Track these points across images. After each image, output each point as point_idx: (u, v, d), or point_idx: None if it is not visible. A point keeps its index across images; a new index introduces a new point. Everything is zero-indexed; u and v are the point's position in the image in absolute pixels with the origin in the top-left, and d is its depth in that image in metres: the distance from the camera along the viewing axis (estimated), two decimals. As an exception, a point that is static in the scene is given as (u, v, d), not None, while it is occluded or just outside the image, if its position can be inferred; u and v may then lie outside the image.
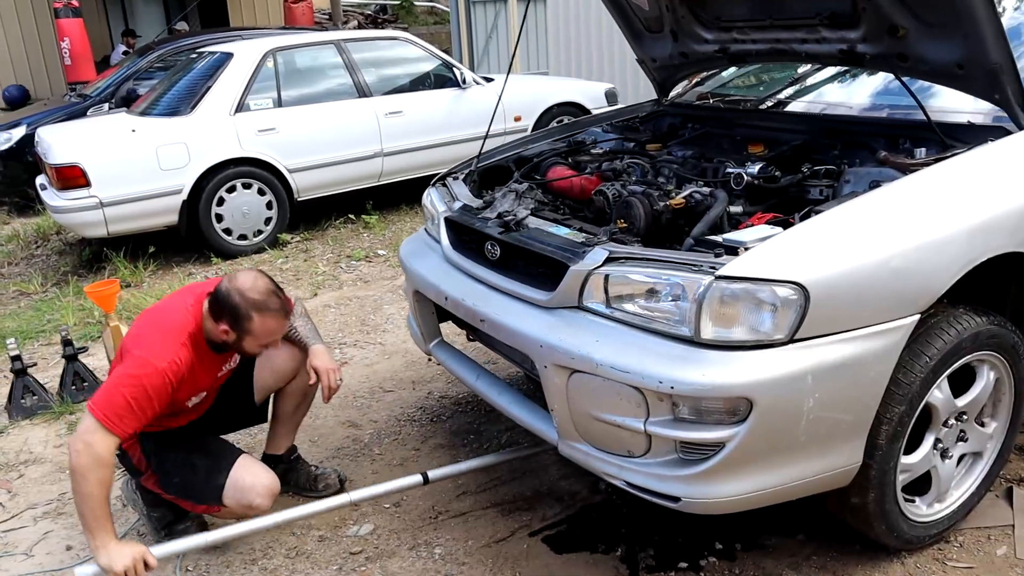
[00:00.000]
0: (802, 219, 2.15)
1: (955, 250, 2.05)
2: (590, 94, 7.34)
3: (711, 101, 3.36)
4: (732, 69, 3.56)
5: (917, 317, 2.04)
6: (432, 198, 3.10)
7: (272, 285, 2.43)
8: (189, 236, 6.01)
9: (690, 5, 3.05)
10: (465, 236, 2.74)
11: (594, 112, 6.93)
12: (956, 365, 2.22)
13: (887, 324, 1.99)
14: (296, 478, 3.01)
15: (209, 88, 5.98)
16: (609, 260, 2.18)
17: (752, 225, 2.27)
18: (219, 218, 5.98)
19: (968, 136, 2.38)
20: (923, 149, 2.35)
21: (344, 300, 5.07)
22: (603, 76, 9.42)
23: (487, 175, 3.28)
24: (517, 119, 6.93)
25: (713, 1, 3.00)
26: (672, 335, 2.01)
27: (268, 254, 6.12)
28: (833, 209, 2.05)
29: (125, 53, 10.66)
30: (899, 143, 2.52)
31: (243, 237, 6.12)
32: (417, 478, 2.70)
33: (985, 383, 2.34)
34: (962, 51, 2.32)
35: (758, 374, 1.89)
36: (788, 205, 2.50)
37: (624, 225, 2.42)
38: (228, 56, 6.14)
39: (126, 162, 5.65)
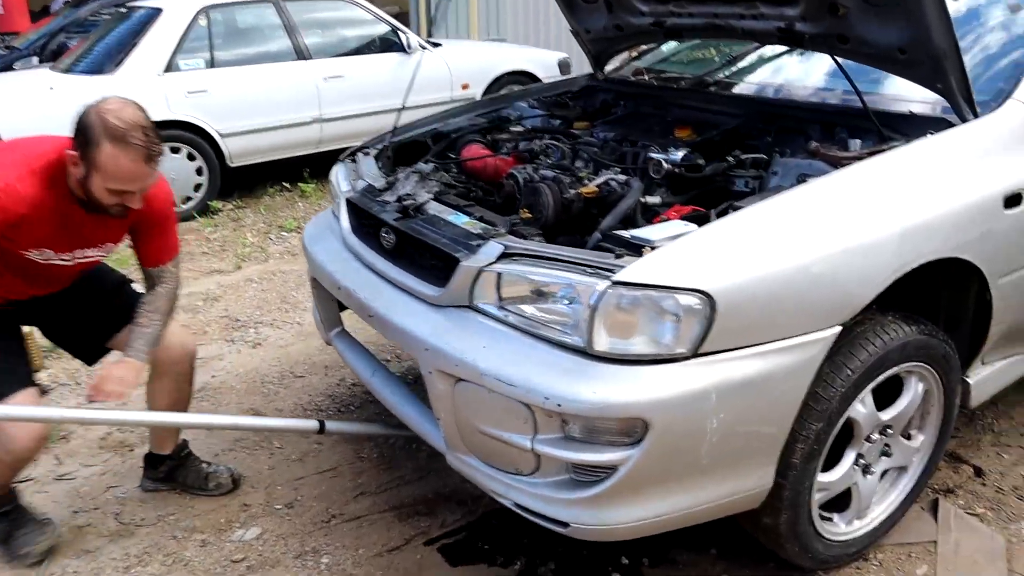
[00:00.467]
0: (719, 215, 1.95)
1: (885, 255, 1.86)
2: (543, 63, 7.06)
3: (647, 77, 3.12)
4: (673, 43, 3.33)
5: (839, 329, 1.85)
6: (337, 175, 2.85)
7: (145, 121, 2.03)
8: (112, 202, 5.67)
9: (624, -27, 2.81)
10: (365, 220, 2.50)
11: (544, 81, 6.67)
12: (882, 378, 2.04)
13: (804, 337, 1.79)
14: (184, 476, 2.77)
15: (136, 45, 5.61)
16: (504, 256, 1.95)
17: (668, 219, 2.06)
18: (145, 183, 5.64)
19: (909, 128, 2.18)
20: (858, 141, 2.15)
21: (268, 274, 4.80)
22: (561, 45, 9.13)
23: (404, 151, 3.03)
24: (465, 87, 6.64)
25: (647, -31, 2.76)
26: (565, 345, 1.80)
27: (197, 222, 5.81)
28: (749, 207, 1.84)
29: (65, 3, 10.14)
30: (835, 132, 2.32)
31: (171, 204, 5.78)
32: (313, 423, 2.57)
33: (913, 396, 2.17)
34: (904, 35, 2.11)
35: (655, 392, 1.68)
36: (713, 196, 2.28)
37: (528, 215, 2.19)
38: (157, 11, 5.76)
39: (41, 122, 5.23)
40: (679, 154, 2.29)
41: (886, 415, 2.12)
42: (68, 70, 5.79)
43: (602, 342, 1.72)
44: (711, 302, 1.68)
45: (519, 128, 2.92)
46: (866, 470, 2.18)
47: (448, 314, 2.04)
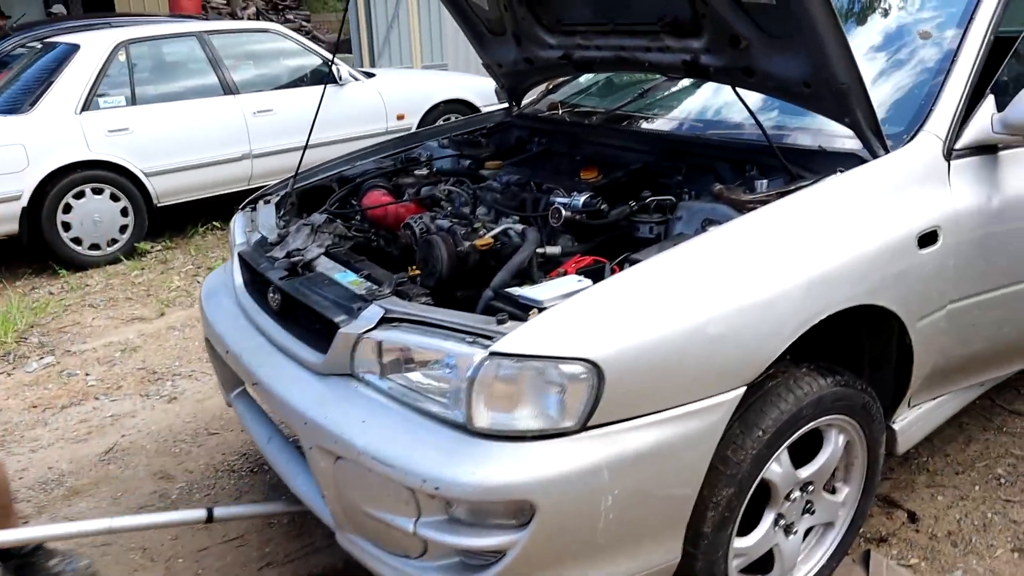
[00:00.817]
0: (613, 269, 1.81)
1: (789, 308, 1.73)
2: (481, 91, 6.94)
3: (560, 112, 3.00)
4: (590, 75, 3.21)
5: (743, 389, 1.71)
6: (234, 226, 2.68)
7: None
8: (32, 246, 5.43)
9: (528, 5, 2.69)
10: (256, 277, 2.33)
11: (484, 110, 6.54)
12: (797, 435, 1.91)
13: (705, 401, 1.66)
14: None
15: (52, 83, 5.39)
16: (385, 320, 1.80)
17: (565, 273, 1.92)
18: (67, 226, 5.43)
19: (821, 165, 2.07)
20: (765, 181, 2.03)
21: (192, 321, 4.59)
22: (507, 70, 9.02)
23: (310, 197, 2.87)
24: (400, 117, 6.50)
25: (551, 1, 2.64)
26: (446, 420, 1.65)
27: (123, 265, 5.58)
28: (643, 262, 1.71)
29: (-6, 38, 9.82)
30: (746, 170, 2.20)
31: (95, 247, 5.56)
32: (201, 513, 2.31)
33: (833, 449, 2.04)
34: (807, 68, 2.01)
35: (540, 471, 1.53)
36: (618, 243, 2.15)
37: (417, 271, 2.04)
38: (75, 48, 5.55)
39: (-51, 166, 5.05)
40: (581, 199, 2.16)
41: (805, 472, 2.00)
42: (-19, 110, 5.54)
43: (482, 418, 1.57)
44: (598, 371, 1.54)
45: (424, 171, 2.77)
46: (788, 530, 2.05)
47: (331, 384, 1.88)
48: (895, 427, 2.28)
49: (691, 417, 1.64)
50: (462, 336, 1.65)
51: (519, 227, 2.10)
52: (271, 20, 12.98)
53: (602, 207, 2.14)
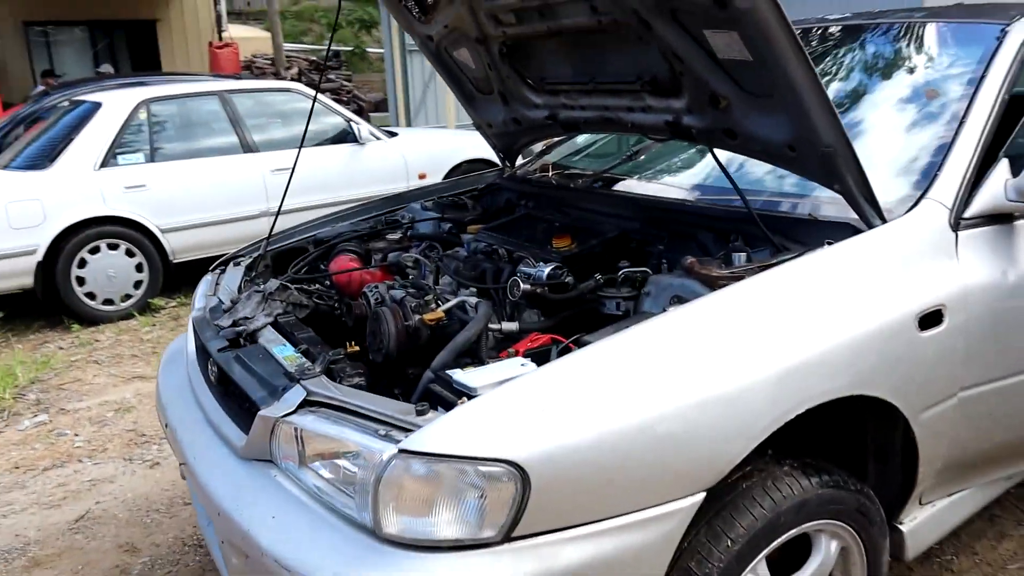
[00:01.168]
0: (561, 352, 1.62)
1: (758, 403, 1.51)
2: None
3: (550, 174, 2.84)
4: (585, 136, 3.06)
5: (702, 495, 1.49)
6: (198, 290, 2.56)
7: None
8: (46, 300, 5.43)
9: (512, 63, 2.56)
10: (201, 346, 2.18)
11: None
12: (777, 543, 1.67)
13: (654, 510, 1.44)
14: None
15: (72, 140, 5.44)
16: (308, 403, 1.63)
17: (516, 354, 1.73)
18: (81, 281, 5.42)
19: (811, 236, 1.86)
20: (744, 254, 1.83)
21: (190, 382, 4.47)
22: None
23: (286, 259, 2.74)
24: (422, 177, 6.42)
25: (533, 59, 2.51)
26: (356, 522, 1.45)
27: (136, 321, 5.54)
28: (585, 349, 1.51)
29: (38, 91, 10.13)
30: (730, 239, 2.00)
31: (109, 302, 5.54)
32: None
33: (824, 557, 1.79)
34: (790, 129, 1.82)
35: (453, 589, 1.32)
36: (585, 319, 1.96)
37: (354, 348, 1.87)
38: (97, 106, 5.62)
39: (-32, 220, 5.09)
40: (546, 270, 1.98)
41: (790, 584, 1.75)
42: (6, 166, 5.61)
43: (391, 523, 1.38)
44: (523, 474, 1.33)
45: (397, 236, 2.62)
46: (773, 650, 1.78)
47: (252, 471, 1.71)
48: (903, 528, 2.01)
49: (637, 528, 1.42)
50: (376, 428, 1.46)
51: (473, 300, 1.93)
52: (313, 79, 13.23)
53: (567, 280, 1.95)
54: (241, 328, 2.04)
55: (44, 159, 5.41)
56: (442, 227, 2.69)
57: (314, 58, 14.54)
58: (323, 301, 2.33)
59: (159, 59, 12.58)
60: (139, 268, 5.59)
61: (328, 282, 2.44)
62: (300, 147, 2.81)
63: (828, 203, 1.96)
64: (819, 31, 2.63)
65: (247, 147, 5.91)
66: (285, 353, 1.87)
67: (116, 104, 5.60)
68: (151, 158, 5.63)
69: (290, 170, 2.66)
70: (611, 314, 1.90)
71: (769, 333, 1.57)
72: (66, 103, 6.08)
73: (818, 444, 1.85)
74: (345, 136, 6.33)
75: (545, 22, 2.23)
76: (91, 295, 5.48)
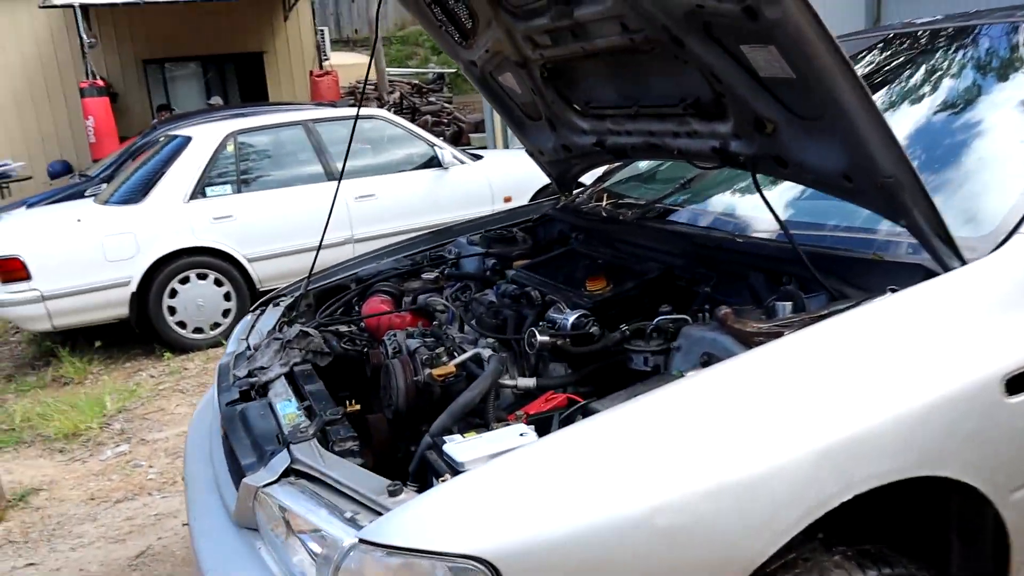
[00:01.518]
0: (565, 421, 1.42)
1: (786, 490, 1.26)
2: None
3: (604, 203, 2.64)
4: (646, 162, 2.84)
5: (718, 598, 1.25)
6: (235, 332, 2.50)
7: None
8: (141, 329, 5.61)
9: (555, 87, 2.39)
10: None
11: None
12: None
13: (657, 614, 1.21)
14: None
15: (164, 174, 5.62)
16: (292, 471, 1.49)
17: (522, 417, 1.54)
18: (172, 310, 5.57)
19: (877, 280, 1.59)
20: (788, 304, 1.57)
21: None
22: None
23: (329, 298, 2.65)
24: (507, 200, 6.30)
25: (576, 82, 2.33)
26: (324, 611, 1.30)
27: (224, 348, 5.63)
28: (581, 423, 1.31)
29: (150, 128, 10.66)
30: (783, 282, 1.75)
31: (199, 330, 5.67)
32: None
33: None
34: (845, 157, 1.56)
35: None
36: (614, 374, 1.75)
37: (354, 408, 1.72)
38: (187, 140, 5.78)
39: (69, 253, 5.33)
40: (571, 318, 1.78)
41: None
42: (106, 201, 5.85)
43: (349, 622, 1.21)
44: (495, 572, 1.14)
45: (431, 276, 2.48)
46: None
47: (240, 539, 1.58)
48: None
49: (637, 637, 1.20)
50: (345, 508, 1.31)
51: (487, 353, 1.75)
52: (414, 103, 13.41)
53: (592, 330, 1.75)
54: (254, 379, 1.94)
55: (138, 193, 5.61)
56: (486, 263, 2.53)
57: (416, 82, 14.77)
58: (352, 346, 2.21)
59: (266, 89, 13.07)
60: (227, 297, 5.70)
61: (359, 326, 2.32)
62: (340, 179, 2.73)
63: (901, 239, 1.68)
64: (902, 37, 2.32)
65: (331, 175, 5.94)
66: (287, 410, 1.75)
67: (205, 138, 5.75)
68: (238, 189, 5.74)
69: (331, 204, 2.53)
70: (639, 370, 1.69)
71: (807, 403, 1.32)
72: (163, 138, 6.31)
73: (885, 521, 1.57)
74: (429, 161, 6.28)
75: (579, 43, 2.05)
76: (182, 324, 5.62)
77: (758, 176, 1.86)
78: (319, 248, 2.69)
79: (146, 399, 4.90)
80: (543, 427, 1.45)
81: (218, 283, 5.66)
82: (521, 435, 1.40)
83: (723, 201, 2.25)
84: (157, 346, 5.65)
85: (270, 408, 1.79)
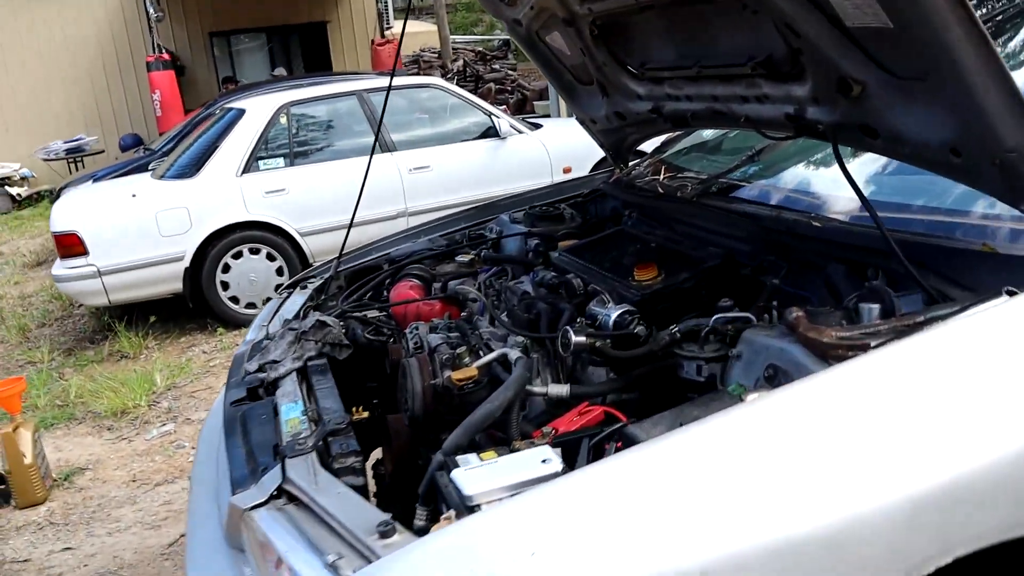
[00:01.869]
0: (593, 449, 1.18)
1: (872, 552, 0.99)
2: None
3: (661, 177, 2.35)
4: (710, 131, 2.54)
5: None
6: (258, 318, 2.32)
7: None
8: (195, 304, 5.56)
9: (607, 46, 2.11)
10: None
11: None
12: None
13: None
14: None
15: (218, 148, 5.52)
16: (282, 493, 1.29)
17: (551, 434, 1.30)
18: (225, 285, 5.50)
19: (984, 277, 1.29)
20: (877, 305, 1.29)
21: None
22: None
23: (362, 278, 2.46)
24: (567, 171, 6.01)
25: (629, 41, 2.05)
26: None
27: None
28: (609, 462, 1.06)
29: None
30: (867, 277, 1.46)
31: (251, 305, 5.57)
32: None
33: None
34: (954, 127, 1.26)
35: None
36: (665, 381, 1.49)
37: (361, 415, 1.51)
38: (241, 113, 5.67)
39: (124, 229, 5.30)
40: (613, 314, 1.53)
41: None
42: (162, 175, 5.80)
43: None
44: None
45: (466, 258, 2.24)
46: None
47: (231, 562, 1.40)
48: None
49: None
50: (329, 547, 1.09)
51: (514, 354, 1.51)
52: (478, 71, 13.13)
53: (636, 329, 1.49)
54: (264, 375, 1.75)
55: (192, 168, 5.53)
56: (528, 243, 2.28)
57: (480, 49, 14.47)
58: (377, 336, 2.01)
59: (330, 59, 12.98)
60: (279, 272, 5.59)
61: (387, 314, 2.11)
62: (372, 152, 2.50)
63: (1019, 225, 1.37)
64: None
65: (385, 147, 5.76)
66: (290, 415, 1.55)
67: (258, 110, 5.63)
68: (291, 162, 5.62)
69: (362, 177, 2.33)
70: (690, 380, 1.42)
71: (899, 439, 1.04)
72: (219, 110, 6.21)
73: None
74: (485, 131, 6.04)
75: (631, -7, 1.77)
76: (234, 299, 5.55)
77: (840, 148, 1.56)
78: (350, 226, 2.50)
79: (196, 376, 4.84)
80: (571, 451, 1.21)
81: (270, 257, 5.57)
82: (544, 461, 1.16)
83: (796, 176, 1.95)
84: (211, 321, 5.60)
85: (274, 411, 1.59)
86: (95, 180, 7.65)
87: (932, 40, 1.16)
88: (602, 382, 1.51)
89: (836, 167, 1.58)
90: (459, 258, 2.25)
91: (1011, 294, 1.19)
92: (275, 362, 1.82)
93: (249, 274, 5.52)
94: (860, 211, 1.61)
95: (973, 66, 1.13)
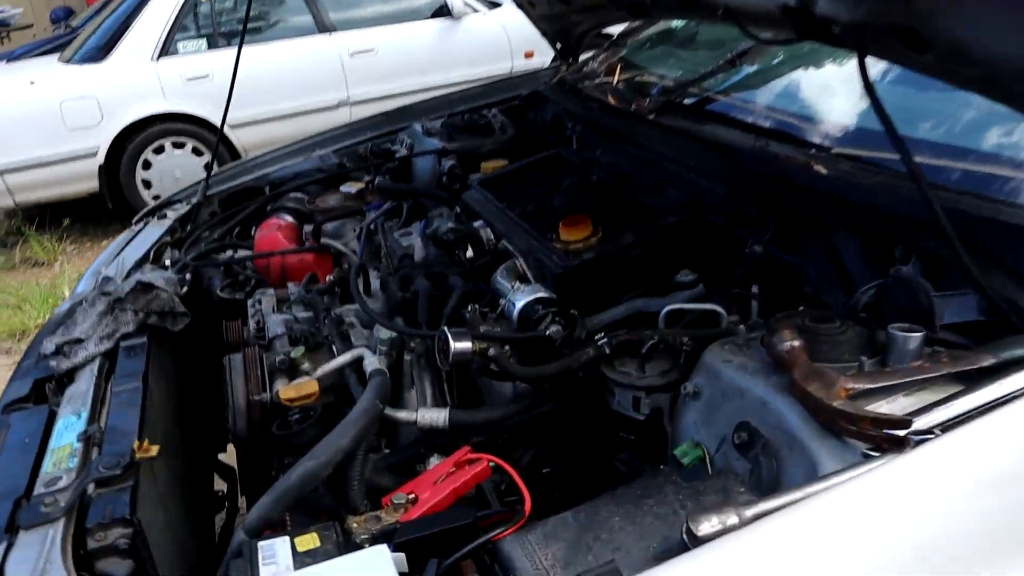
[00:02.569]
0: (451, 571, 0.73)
1: None
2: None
3: (615, 81, 1.82)
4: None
5: None
6: (96, 261, 1.83)
7: None
8: (115, 205, 4.99)
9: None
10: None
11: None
12: None
13: None
14: None
15: (129, 27, 4.81)
16: None
17: (404, 505, 0.85)
18: (147, 184, 4.93)
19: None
20: (919, 335, 0.81)
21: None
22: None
23: (240, 201, 1.96)
24: (528, 55, 5.39)
25: None
26: None
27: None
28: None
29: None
30: (895, 257, 0.98)
31: (178, 206, 5.02)
32: None
33: None
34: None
35: None
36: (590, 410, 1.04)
37: (149, 452, 1.04)
38: (155, -16, 4.92)
39: (23, 121, 4.66)
40: (519, 303, 1.05)
41: None
42: (69, 59, 5.09)
43: None
44: None
45: (352, 189, 1.72)
46: None
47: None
48: None
49: None
50: None
51: (372, 361, 1.04)
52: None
53: (550, 330, 1.02)
54: (56, 363, 1.28)
55: (101, 50, 4.83)
56: (443, 164, 1.76)
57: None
58: (232, 294, 1.52)
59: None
60: (207, 168, 5.00)
61: (247, 262, 1.62)
62: (242, 40, 1.96)
63: None
64: None
65: (323, 27, 5.08)
66: (62, 439, 1.09)
67: (173, -20, 4.89)
68: (214, 43, 4.93)
69: (233, 66, 1.80)
70: (625, 415, 0.96)
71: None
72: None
73: None
74: (439, 10, 5.35)
75: None
76: (158, 198, 4.97)
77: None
78: (219, 134, 2.00)
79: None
80: (418, 556, 0.76)
81: (196, 152, 4.97)
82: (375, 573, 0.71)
83: (793, 92, 1.43)
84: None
85: (41, 427, 1.12)
86: (9, 60, 6.87)
87: None
88: (499, 406, 1.04)
89: (852, 84, 1.08)
90: (345, 187, 1.73)
91: None
92: (78, 340, 1.34)
93: (174, 171, 4.94)
94: (885, 151, 1.11)
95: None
